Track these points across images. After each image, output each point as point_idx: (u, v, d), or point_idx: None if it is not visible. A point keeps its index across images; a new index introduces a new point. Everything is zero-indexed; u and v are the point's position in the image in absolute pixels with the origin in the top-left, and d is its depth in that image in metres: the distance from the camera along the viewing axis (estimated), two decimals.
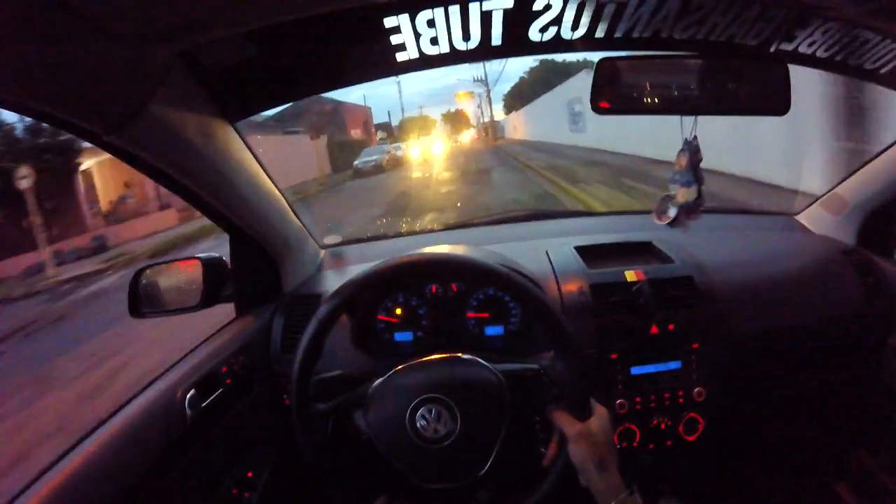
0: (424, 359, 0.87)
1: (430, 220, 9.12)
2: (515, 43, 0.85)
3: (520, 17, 0.80)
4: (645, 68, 0.91)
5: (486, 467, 0.79)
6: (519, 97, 38.81)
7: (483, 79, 33.33)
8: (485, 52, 0.86)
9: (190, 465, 0.95)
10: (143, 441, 0.87)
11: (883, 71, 0.87)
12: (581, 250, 1.29)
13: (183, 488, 0.94)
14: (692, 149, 0.90)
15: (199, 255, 1.20)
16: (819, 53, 0.86)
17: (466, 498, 0.87)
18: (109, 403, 0.93)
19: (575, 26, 0.80)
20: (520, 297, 0.84)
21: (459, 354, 0.87)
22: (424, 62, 0.88)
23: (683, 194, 0.92)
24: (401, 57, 0.87)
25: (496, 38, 0.83)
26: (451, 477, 0.81)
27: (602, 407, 0.83)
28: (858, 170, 1.26)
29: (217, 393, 1.04)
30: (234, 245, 1.22)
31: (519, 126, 35.41)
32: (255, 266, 1.26)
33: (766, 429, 1.38)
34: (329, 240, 1.61)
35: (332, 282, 1.35)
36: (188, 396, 0.96)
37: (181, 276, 1.23)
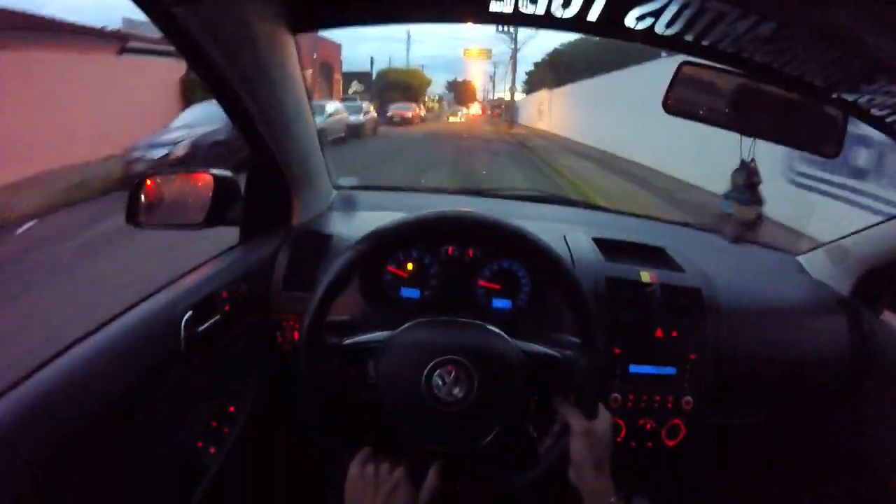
0: (450, 318, 0.87)
1: (446, 180, 9.17)
2: (609, 24, 0.85)
3: None
4: (720, 81, 0.93)
5: (489, 438, 0.80)
6: (555, 71, 27.88)
7: (511, 33, 25.57)
8: (577, 24, 0.86)
9: (175, 389, 0.93)
10: (135, 355, 0.85)
11: None
12: (598, 242, 1.31)
13: (164, 412, 0.92)
14: (750, 169, 0.94)
15: (212, 170, 1.16)
16: (874, 111, 0.89)
17: (458, 464, 0.87)
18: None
19: (670, 24, 0.81)
20: (556, 277, 0.83)
21: (487, 325, 0.86)
22: (515, 18, 0.87)
23: (743, 212, 0.96)
24: (494, 7, 0.86)
25: (594, 14, 0.83)
26: (453, 442, 0.81)
27: (607, 411, 0.84)
28: (869, 227, 1.31)
29: (214, 318, 1.01)
30: (254, 165, 1.18)
31: (551, 113, 25.03)
32: (269, 192, 1.23)
33: (741, 449, 1.44)
34: (343, 181, 1.59)
35: (342, 224, 1.34)
36: (186, 317, 0.93)
37: (187, 189, 1.18)
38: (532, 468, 0.83)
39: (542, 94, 29.01)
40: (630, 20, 0.82)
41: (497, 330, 0.85)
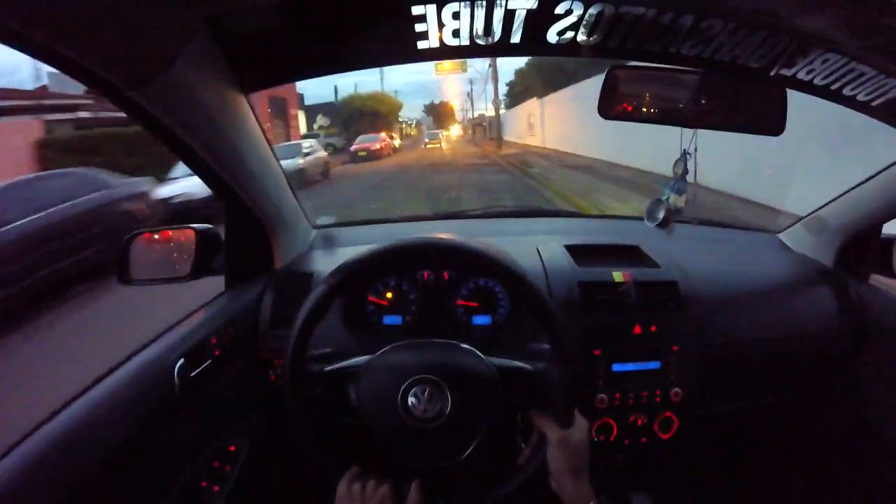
0: (423, 340, 0.90)
1: (421, 207, 8.98)
2: (532, 43, 0.89)
3: (541, 17, 0.84)
4: (652, 80, 0.97)
5: (467, 453, 0.83)
6: (543, 75, 24.61)
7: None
8: (502, 48, 0.90)
9: (174, 435, 0.98)
10: (131, 406, 0.89)
11: (875, 103, 0.94)
12: (571, 249, 1.34)
13: (165, 457, 0.96)
14: (687, 160, 0.99)
15: (193, 225, 1.22)
16: (816, 81, 0.92)
17: (439, 479, 0.90)
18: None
19: (591, 33, 0.85)
20: (516, 288, 0.87)
21: (459, 343, 0.89)
22: (443, 52, 0.92)
23: (675, 200, 1.01)
24: (422, 45, 0.91)
25: (515, 36, 0.87)
26: (433, 457, 0.85)
27: (583, 419, 0.87)
28: (842, 195, 1.33)
29: (206, 364, 1.06)
30: (230, 217, 1.24)
31: (544, 124, 22.39)
32: (249, 239, 1.29)
33: (735, 434, 1.46)
34: (322, 220, 1.64)
35: (323, 261, 1.39)
36: (178, 365, 0.98)
37: (172, 245, 1.24)
38: (511, 479, 0.85)
39: (531, 105, 25.63)
40: (552, 36, 0.86)
41: (469, 347, 0.88)
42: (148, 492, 0.92)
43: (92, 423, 0.82)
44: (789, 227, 1.54)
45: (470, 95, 50.89)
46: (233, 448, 1.15)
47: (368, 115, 35.90)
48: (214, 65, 0.90)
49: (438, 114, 64.79)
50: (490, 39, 0.89)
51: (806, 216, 1.47)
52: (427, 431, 0.81)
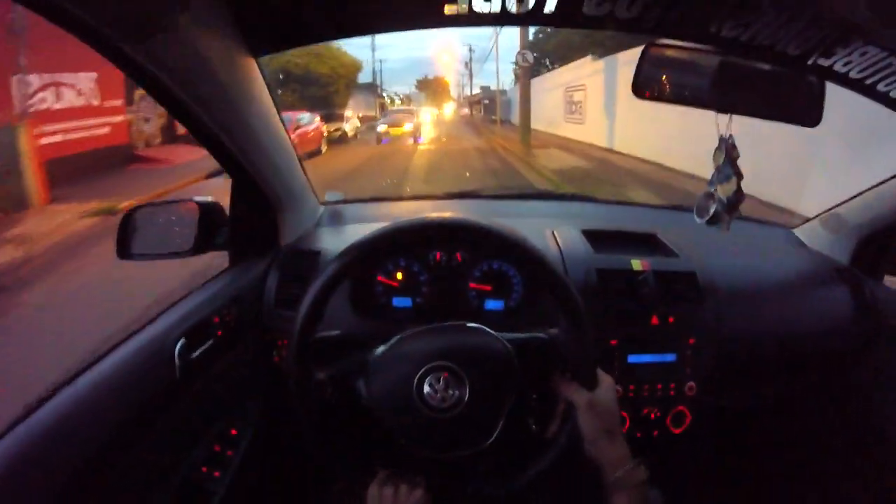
0: (431, 326, 0.87)
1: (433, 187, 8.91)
2: (568, 13, 0.85)
3: None
4: (689, 60, 0.94)
5: (493, 437, 0.80)
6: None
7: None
8: (535, 17, 0.86)
9: (174, 417, 0.95)
10: (130, 387, 0.87)
11: None
12: (587, 234, 1.32)
13: (165, 441, 0.94)
14: (728, 145, 0.97)
15: (196, 198, 1.18)
16: (852, 74, 0.89)
17: (469, 469, 0.87)
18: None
19: (630, 6, 0.81)
20: (532, 268, 0.84)
21: (467, 323, 0.87)
22: (471, 18, 0.87)
23: (723, 189, 0.98)
24: (449, 9, 0.86)
25: (550, 5, 0.83)
26: (457, 447, 0.81)
27: (608, 377, 0.84)
28: (861, 193, 1.32)
29: (207, 343, 1.03)
30: (235, 190, 1.19)
31: (613, 108, 12.82)
32: (254, 215, 1.24)
33: (748, 430, 1.46)
34: (329, 196, 1.61)
35: (330, 239, 1.35)
36: (179, 345, 0.95)
37: (174, 218, 1.20)
38: (545, 454, 0.83)
39: (578, 70, 15.97)
40: (589, 7, 0.82)
41: (478, 325, 0.86)
42: (148, 476, 0.90)
43: (90, 406, 0.80)
44: (806, 222, 1.53)
45: (468, 65, 44.20)
46: (234, 432, 1.13)
47: (297, 80, 22.93)
48: (221, 24, 0.84)
49: (431, 89, 61.64)
50: (523, 7, 0.85)
51: (823, 213, 1.47)
52: (447, 421, 0.78)
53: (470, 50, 42.01)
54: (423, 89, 64.14)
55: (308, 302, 0.81)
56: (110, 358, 0.88)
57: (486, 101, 38.11)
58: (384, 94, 50.55)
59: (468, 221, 0.83)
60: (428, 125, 27.21)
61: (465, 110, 47.84)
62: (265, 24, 0.93)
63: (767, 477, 1.53)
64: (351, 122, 22.01)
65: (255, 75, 0.99)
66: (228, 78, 0.91)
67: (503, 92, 32.57)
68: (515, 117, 20.97)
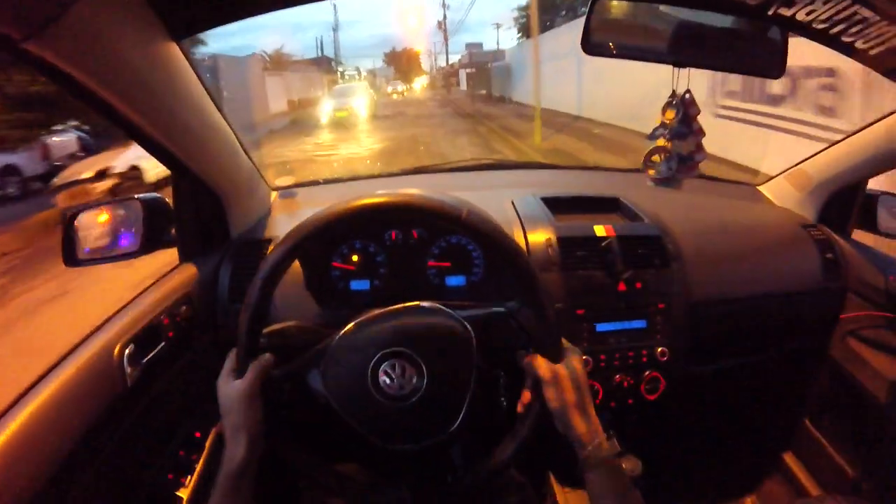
0: (383, 310, 0.84)
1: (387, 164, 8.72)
2: None
3: None
4: (642, 13, 0.92)
5: (457, 423, 0.77)
6: None
7: None
8: None
9: (133, 428, 0.92)
10: (79, 405, 0.82)
11: (872, 52, 0.89)
12: (548, 202, 1.30)
13: (126, 451, 0.91)
14: (686, 101, 0.95)
15: (138, 196, 1.14)
16: (815, 24, 0.85)
17: (438, 457, 0.86)
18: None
19: None
20: (486, 241, 0.80)
21: (420, 303, 0.84)
22: None
23: (678, 146, 0.97)
24: None
25: None
26: (420, 436, 0.78)
27: (575, 348, 0.82)
28: (827, 148, 1.32)
29: (159, 347, 1.00)
30: (177, 184, 1.14)
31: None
32: (200, 208, 1.20)
33: (721, 394, 1.48)
34: (281, 181, 1.57)
35: (284, 226, 1.31)
36: (127, 352, 0.91)
37: (119, 218, 1.16)
38: (516, 434, 0.81)
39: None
40: None
41: (433, 304, 0.83)
42: (113, 490, 0.87)
43: (39, 426, 0.75)
44: (770, 179, 1.53)
45: (442, 24, 37.92)
46: (198, 434, 1.11)
47: None
48: (133, 7, 0.78)
49: (401, 63, 58.50)
50: None
51: (788, 168, 1.47)
52: (407, 410, 0.76)
53: (444, 5, 36.26)
54: (392, 62, 61.10)
55: (252, 297, 0.77)
56: (55, 372, 0.84)
57: (471, 70, 28.09)
58: (340, 71, 46.11)
59: (418, 196, 0.80)
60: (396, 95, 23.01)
61: (440, 85, 41.60)
62: (178, 4, 0.86)
63: (742, 440, 1.56)
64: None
65: (178, 62, 0.92)
66: (148, 65, 0.84)
67: (494, 54, 25.43)
68: (517, 92, 18.67)
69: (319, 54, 39.61)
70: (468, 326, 0.80)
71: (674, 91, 0.96)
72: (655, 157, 1.03)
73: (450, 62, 41.79)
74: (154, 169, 8.58)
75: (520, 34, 22.38)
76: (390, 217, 0.80)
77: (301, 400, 0.82)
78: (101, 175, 8.76)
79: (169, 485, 1.02)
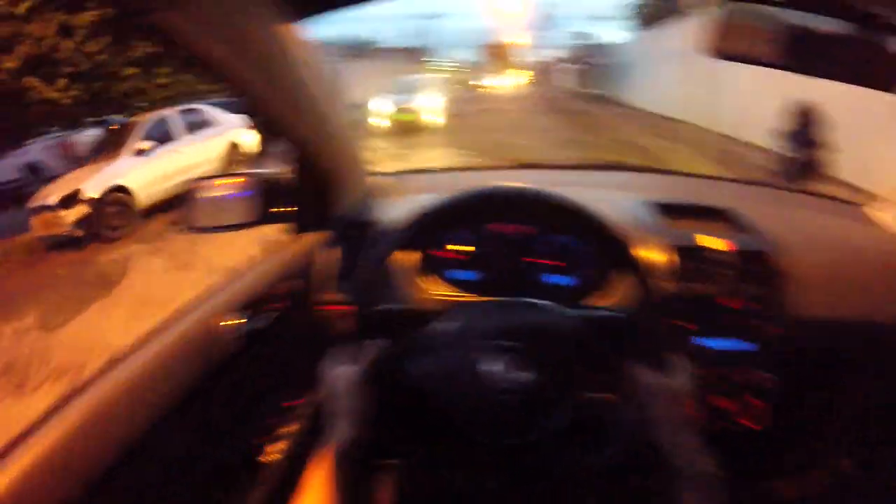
0: (494, 300, 0.87)
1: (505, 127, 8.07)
2: None
3: None
4: (774, 19, 0.94)
5: (558, 421, 0.79)
6: None
7: None
8: None
9: (230, 392, 1.02)
10: (184, 363, 0.93)
11: None
12: (659, 207, 1.31)
13: (220, 415, 1.01)
14: (811, 111, 0.97)
15: (258, 171, 1.27)
16: None
17: (531, 453, 0.87)
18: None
19: None
20: (606, 243, 0.84)
21: (535, 300, 0.86)
22: None
23: (800, 152, 0.99)
24: None
25: None
26: (520, 432, 0.79)
27: (685, 363, 0.84)
28: None
29: (265, 317, 1.11)
30: (296, 161, 1.26)
31: None
32: (309, 186, 1.30)
33: (825, 426, 1.43)
34: (383, 167, 1.66)
35: (387, 210, 1.39)
36: (235, 319, 1.03)
37: (237, 191, 1.30)
38: (614, 440, 0.82)
39: None
40: None
41: (548, 303, 0.85)
42: (202, 446, 0.97)
43: (148, 377, 0.86)
44: (880, 200, 1.46)
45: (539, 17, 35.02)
46: (287, 405, 1.21)
47: None
48: None
49: (495, 55, 55.99)
50: None
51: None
52: (511, 403, 0.78)
53: None
54: (486, 54, 61.53)
55: (367, 279, 0.84)
56: (168, 331, 0.95)
57: (574, 66, 25.19)
58: (431, 62, 44.77)
59: (540, 191, 0.84)
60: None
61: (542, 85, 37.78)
62: None
63: (840, 476, 1.50)
64: None
65: (302, 42, 1.03)
66: (276, 43, 0.95)
67: (603, 47, 21.68)
68: (635, 94, 16.50)
69: (411, 44, 39.65)
70: (580, 327, 0.82)
71: (796, 102, 0.97)
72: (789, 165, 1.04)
73: (548, 56, 39.64)
74: (147, 189, 7.64)
75: (640, 24, 18.96)
76: (510, 208, 0.85)
77: (401, 381, 0.85)
78: (69, 201, 6.89)
79: (254, 450, 1.12)
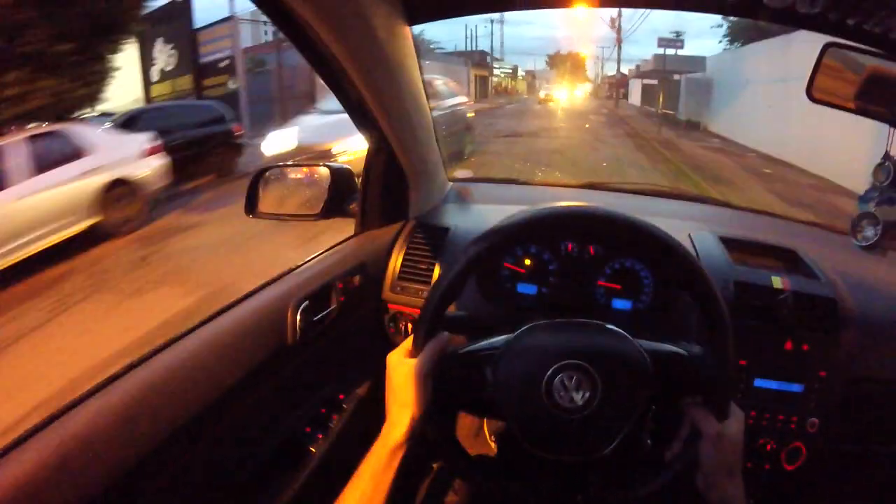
0: (565, 320, 0.92)
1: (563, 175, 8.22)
2: (748, 3, 0.93)
3: None
4: (868, 65, 0.98)
5: (613, 445, 0.83)
6: None
7: None
8: (709, 3, 0.95)
9: (287, 380, 1.11)
10: (249, 343, 1.01)
11: None
12: (725, 242, 1.36)
13: (275, 400, 1.09)
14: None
15: (329, 163, 1.36)
16: None
17: (579, 475, 0.91)
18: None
19: (813, 2, 0.82)
20: (684, 275, 0.87)
21: (603, 323, 0.91)
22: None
23: (883, 212, 1.01)
24: None
25: None
26: (575, 450, 0.84)
27: (740, 410, 0.87)
28: None
29: (328, 309, 1.19)
30: (372, 157, 1.35)
31: None
32: (386, 184, 1.39)
33: (867, 481, 1.43)
34: (459, 173, 1.77)
35: (459, 217, 1.48)
36: (301, 307, 1.10)
37: (305, 181, 1.40)
38: (658, 476, 0.87)
39: None
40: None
41: (618, 330, 0.90)
42: (254, 429, 1.05)
43: (207, 357, 0.94)
44: None
45: (617, 23, 33.85)
46: (342, 397, 1.29)
47: None
48: None
49: (565, 66, 58.26)
50: None
51: None
52: (571, 422, 0.81)
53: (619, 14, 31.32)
54: (555, 65, 60.98)
55: (445, 281, 0.89)
56: (230, 314, 1.04)
57: (651, 81, 25.19)
58: (494, 66, 44.36)
59: (616, 213, 0.89)
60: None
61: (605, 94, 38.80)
62: None
63: None
64: None
65: (408, 43, 1.13)
66: (384, 43, 1.05)
67: (693, 61, 20.49)
68: (722, 120, 15.94)
69: (472, 47, 39.75)
70: (647, 358, 0.87)
71: (887, 152, 1.00)
72: (864, 224, 1.07)
73: (620, 70, 38.88)
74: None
75: (730, 41, 18.35)
76: (582, 228, 0.91)
77: (466, 386, 0.91)
78: None
79: (304, 438, 1.19)
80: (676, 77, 21.49)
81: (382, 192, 1.42)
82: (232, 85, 16.50)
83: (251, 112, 16.46)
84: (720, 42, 19.29)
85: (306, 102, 13.99)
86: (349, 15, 0.95)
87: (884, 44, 0.93)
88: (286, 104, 16.72)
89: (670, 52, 21.39)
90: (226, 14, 16.73)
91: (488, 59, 43.37)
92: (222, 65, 16.68)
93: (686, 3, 0.97)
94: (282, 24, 0.93)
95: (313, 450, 1.20)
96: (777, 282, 1.24)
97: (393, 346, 1.36)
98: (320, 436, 1.22)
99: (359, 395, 1.33)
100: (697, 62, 20.17)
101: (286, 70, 17.59)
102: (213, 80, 16.82)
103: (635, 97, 33.83)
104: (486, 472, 0.93)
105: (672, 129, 17.32)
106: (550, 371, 0.82)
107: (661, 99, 21.22)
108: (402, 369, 0.88)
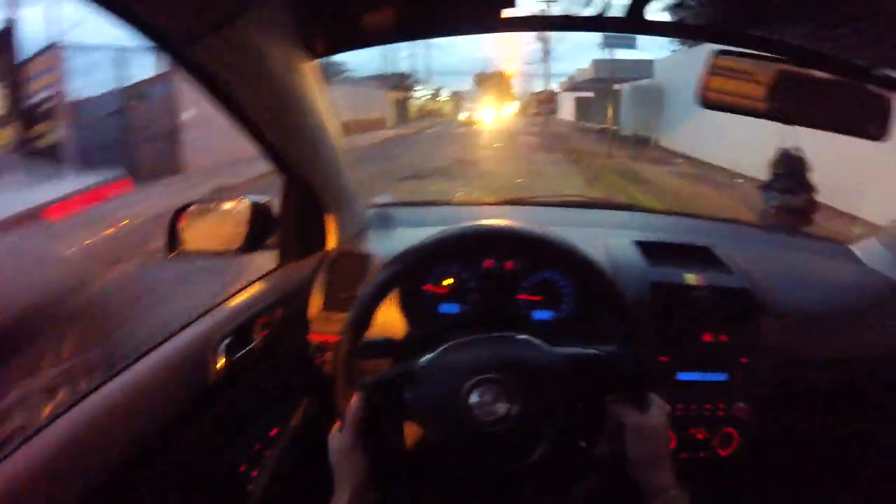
0: (481, 336, 0.99)
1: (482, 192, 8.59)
2: (631, 19, 1.03)
3: None
4: (753, 70, 1.12)
5: (537, 453, 0.89)
6: None
7: None
8: (595, 22, 1.05)
9: (215, 419, 1.14)
10: (174, 384, 1.06)
11: None
12: (641, 246, 1.50)
13: (206, 437, 1.12)
14: (795, 158, 1.16)
15: (248, 198, 1.42)
16: None
17: (507, 484, 1.00)
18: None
19: (698, 14, 0.97)
20: (589, 280, 0.97)
21: (516, 335, 0.98)
22: (528, 22, 1.08)
23: (788, 200, 1.16)
24: (506, 13, 1.05)
25: (614, 9, 1.00)
26: (500, 461, 0.90)
27: (661, 400, 0.97)
28: None
29: (252, 344, 1.24)
30: (286, 190, 1.42)
31: None
32: (304, 215, 1.46)
33: (798, 458, 1.59)
34: (378, 199, 1.85)
35: (380, 243, 1.57)
36: (223, 345, 1.15)
37: (225, 217, 1.44)
38: (590, 475, 0.96)
39: None
40: (652, 13, 1.00)
41: (528, 338, 0.99)
42: (187, 471, 1.08)
43: (133, 400, 0.97)
44: (863, 239, 1.68)
45: (545, 46, 37.65)
46: (274, 432, 1.33)
47: None
48: (281, 25, 1.06)
49: (492, 84, 59.07)
50: (586, 11, 1.03)
51: (883, 229, 1.62)
52: (492, 434, 0.87)
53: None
54: (481, 84, 61.49)
55: (359, 307, 0.97)
56: (154, 354, 1.07)
57: (584, 95, 25.59)
58: (416, 88, 44.91)
59: (524, 230, 0.99)
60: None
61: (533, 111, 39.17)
62: (323, 26, 1.14)
63: None
64: None
65: (312, 79, 1.22)
66: (287, 80, 1.14)
67: (639, 66, 19.70)
68: (679, 135, 15.24)
69: (388, 70, 39.61)
70: (561, 363, 0.96)
71: (780, 149, 1.16)
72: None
73: (549, 86, 40.03)
74: None
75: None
76: (496, 245, 1.01)
77: (386, 410, 0.97)
78: None
79: (240, 476, 1.23)
80: (616, 87, 21.02)
81: (300, 225, 1.49)
82: (53, 134, 12.57)
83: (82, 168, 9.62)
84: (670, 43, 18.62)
85: (168, 147, 12.67)
86: (246, 55, 1.02)
87: (770, 47, 1.08)
88: (141, 150, 13.31)
89: (607, 56, 20.35)
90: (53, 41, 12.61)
91: (409, 81, 43.99)
92: (44, 108, 12.73)
93: (571, 24, 1.09)
94: (181, 66, 0.99)
95: (251, 487, 1.24)
96: (691, 278, 1.38)
97: (320, 376, 1.42)
98: (255, 473, 1.26)
99: (291, 428, 1.38)
100: (643, 67, 19.53)
101: (145, 105, 13.89)
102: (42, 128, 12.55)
103: (566, 112, 33.73)
104: (430, 493, 1.02)
105: (620, 148, 16.54)
106: (466, 386, 0.89)
107: (610, 111, 20.60)
108: (332, 446, 0.95)
